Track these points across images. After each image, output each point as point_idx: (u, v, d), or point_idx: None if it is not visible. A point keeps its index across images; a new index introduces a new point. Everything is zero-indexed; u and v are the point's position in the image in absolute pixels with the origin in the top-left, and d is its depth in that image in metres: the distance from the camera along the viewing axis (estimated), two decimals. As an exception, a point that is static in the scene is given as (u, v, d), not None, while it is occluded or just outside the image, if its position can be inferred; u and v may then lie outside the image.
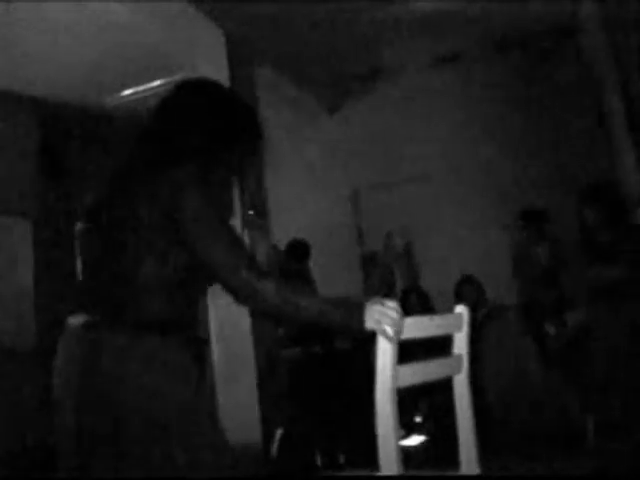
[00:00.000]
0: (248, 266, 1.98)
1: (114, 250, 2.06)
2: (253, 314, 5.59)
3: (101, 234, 2.14)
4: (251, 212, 6.02)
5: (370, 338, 2.02)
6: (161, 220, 2.01)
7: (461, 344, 2.37)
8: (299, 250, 6.67)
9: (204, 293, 2.20)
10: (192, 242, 2.00)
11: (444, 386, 2.41)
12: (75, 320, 2.08)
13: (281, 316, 2.04)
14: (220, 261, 1.98)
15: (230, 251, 1.99)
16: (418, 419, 5.40)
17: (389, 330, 1.96)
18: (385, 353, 1.99)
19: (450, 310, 2.41)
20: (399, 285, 8.10)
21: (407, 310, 2.02)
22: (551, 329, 6.22)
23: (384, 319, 1.96)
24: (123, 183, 2.16)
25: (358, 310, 1.98)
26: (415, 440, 5.44)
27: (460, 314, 2.37)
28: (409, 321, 2.06)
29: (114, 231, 2.09)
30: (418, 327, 2.18)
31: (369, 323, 1.97)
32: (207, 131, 2.24)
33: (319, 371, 5.55)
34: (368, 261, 8.34)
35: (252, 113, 2.39)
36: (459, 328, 2.36)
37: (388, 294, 7.70)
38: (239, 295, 2.01)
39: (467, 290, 6.59)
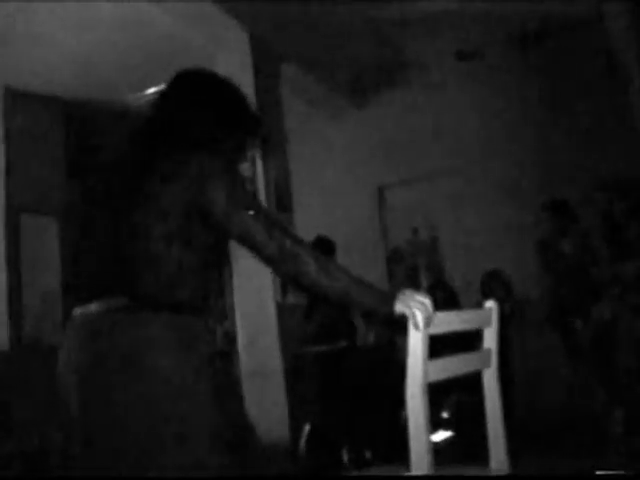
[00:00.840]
0: (285, 232, 2.04)
1: (130, 235, 2.05)
2: (285, 287, 5.61)
3: (112, 220, 2.13)
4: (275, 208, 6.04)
5: (396, 334, 2.03)
6: (184, 206, 2.03)
7: (490, 339, 2.37)
8: (325, 246, 6.67)
9: (218, 278, 2.22)
10: (227, 221, 2.03)
11: (470, 382, 2.41)
12: (87, 308, 2.08)
13: (316, 286, 2.04)
14: (258, 231, 2.02)
15: (266, 221, 2.03)
16: (445, 415, 5.39)
17: (419, 315, 1.98)
18: (416, 348, 1.99)
19: (476, 305, 2.42)
20: (424, 281, 8.09)
21: (433, 305, 2.04)
22: (577, 323, 6.19)
23: (414, 304, 1.99)
24: (137, 170, 2.14)
25: (389, 294, 2.05)
26: (441, 436, 5.44)
27: (490, 309, 2.37)
28: (439, 316, 2.07)
29: (129, 217, 2.07)
30: (448, 322, 2.18)
31: (399, 306, 2.01)
32: (211, 120, 2.29)
33: (346, 367, 5.56)
34: (393, 257, 8.34)
35: (246, 100, 2.43)
36: (489, 323, 2.36)
37: (413, 290, 7.69)
38: (279, 261, 2.04)
39: (493, 285, 6.58)
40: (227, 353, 5.69)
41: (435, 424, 5.44)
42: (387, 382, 5.34)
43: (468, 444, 4.89)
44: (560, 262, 6.44)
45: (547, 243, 6.57)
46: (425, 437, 1.97)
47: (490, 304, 2.39)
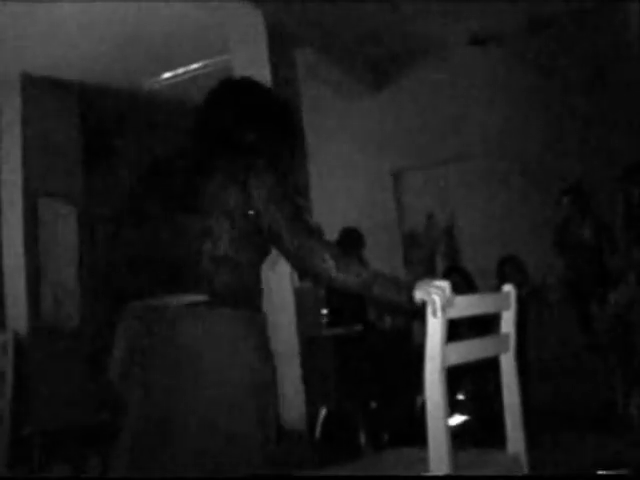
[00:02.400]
0: (309, 231, 2.18)
1: (198, 236, 2.17)
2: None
3: (173, 221, 2.24)
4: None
5: (413, 318, 2.07)
6: (236, 209, 2.16)
7: (508, 323, 2.37)
8: (352, 238, 6.63)
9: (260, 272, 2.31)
10: (271, 228, 2.17)
11: (487, 366, 2.42)
12: (163, 301, 2.17)
13: (334, 282, 2.14)
14: (283, 227, 2.15)
15: (293, 221, 2.16)
16: (460, 397, 5.40)
17: (438, 300, 2.01)
18: (435, 332, 2.00)
19: (492, 289, 2.42)
20: (440, 265, 8.08)
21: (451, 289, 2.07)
22: (594, 308, 6.18)
23: (433, 290, 2.04)
24: (197, 174, 2.27)
25: (408, 283, 2.11)
26: (457, 420, 5.44)
27: (508, 293, 2.38)
28: (457, 300, 2.08)
29: (194, 218, 2.19)
30: (466, 306, 2.19)
31: (418, 294, 2.05)
32: (258, 128, 2.41)
33: (362, 351, 5.57)
34: (409, 242, 8.33)
35: (291, 112, 2.59)
36: (507, 307, 2.36)
37: (429, 274, 7.69)
38: (295, 257, 2.17)
39: (509, 269, 6.56)
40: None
41: (451, 408, 5.45)
42: (403, 366, 5.35)
43: (484, 428, 4.91)
44: (577, 247, 6.42)
45: (565, 228, 6.56)
46: (443, 420, 1.98)
47: (508, 288, 2.39)
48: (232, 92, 2.53)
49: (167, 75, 7.79)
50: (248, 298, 2.20)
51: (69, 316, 7.35)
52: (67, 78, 7.49)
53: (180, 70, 7.66)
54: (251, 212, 2.17)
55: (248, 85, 2.57)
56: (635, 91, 6.83)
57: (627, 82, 6.98)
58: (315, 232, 2.20)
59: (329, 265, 2.10)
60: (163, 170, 2.43)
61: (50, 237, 7.33)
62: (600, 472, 3.67)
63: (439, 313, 2.00)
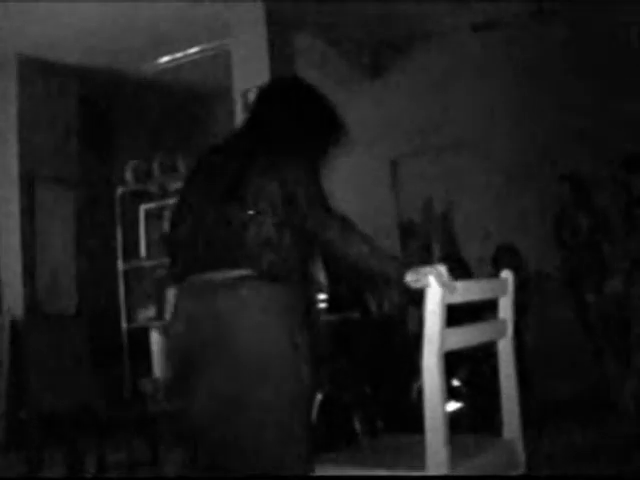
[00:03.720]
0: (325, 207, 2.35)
1: (243, 221, 2.36)
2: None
3: (226, 206, 2.42)
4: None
5: (410, 304, 2.09)
6: (280, 201, 2.35)
7: (506, 308, 2.38)
8: None
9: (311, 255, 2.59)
10: (306, 222, 2.33)
11: (482, 353, 2.42)
12: (212, 276, 2.37)
13: (333, 249, 2.30)
14: (316, 221, 2.32)
15: (326, 214, 2.32)
16: (456, 383, 5.40)
17: (432, 277, 2.05)
18: (433, 317, 2.00)
19: (488, 277, 2.43)
20: (437, 254, 8.08)
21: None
22: (590, 297, 6.19)
23: (429, 270, 2.10)
24: (249, 165, 2.44)
25: (405, 262, 2.21)
26: (452, 406, 5.45)
27: (505, 279, 2.38)
28: (458, 285, 2.08)
29: (239, 206, 2.38)
30: (465, 291, 2.19)
31: (410, 275, 2.13)
32: (310, 126, 2.65)
33: (358, 337, 5.57)
34: (406, 230, 8.33)
35: (335, 110, 2.78)
36: (504, 292, 2.37)
37: (426, 262, 7.69)
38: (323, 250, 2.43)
39: (505, 257, 6.56)
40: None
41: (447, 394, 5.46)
42: (399, 352, 5.36)
43: (480, 414, 4.92)
44: (574, 236, 6.43)
45: (563, 217, 6.56)
46: (440, 405, 1.99)
47: (506, 274, 2.40)
48: (282, 90, 2.77)
49: (166, 59, 7.77)
50: (288, 275, 2.36)
51: (66, 300, 7.36)
52: (65, 60, 7.46)
53: (179, 54, 7.64)
54: (289, 204, 2.35)
55: (297, 85, 2.77)
56: (634, 81, 6.82)
57: (627, 71, 6.96)
58: (332, 211, 2.34)
59: (336, 237, 2.26)
60: (210, 161, 2.61)
61: (47, 220, 7.32)
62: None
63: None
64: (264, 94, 2.76)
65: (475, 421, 5.01)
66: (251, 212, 2.36)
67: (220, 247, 2.40)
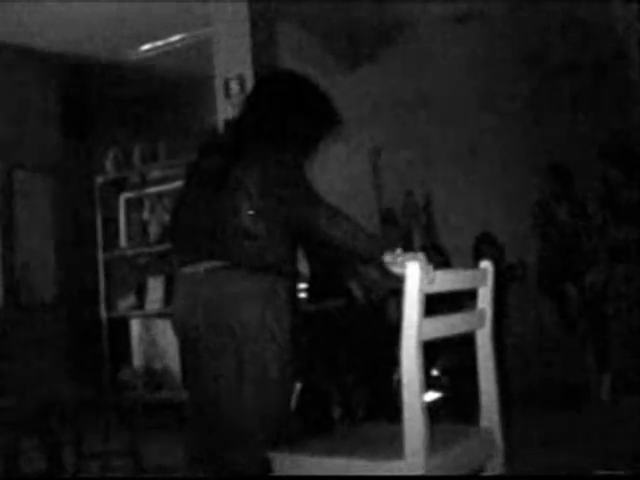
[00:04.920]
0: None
1: (224, 212, 2.52)
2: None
3: (208, 198, 2.59)
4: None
5: (390, 294, 2.11)
6: (258, 193, 2.49)
7: (485, 298, 2.39)
8: None
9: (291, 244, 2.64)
10: (293, 211, 2.46)
11: (462, 343, 2.43)
12: (194, 268, 2.56)
13: (332, 240, 2.38)
14: (303, 208, 2.43)
15: (312, 200, 2.43)
16: (435, 373, 5.43)
17: (412, 267, 2.06)
18: (412, 305, 2.00)
19: (468, 267, 2.43)
20: (417, 243, 8.09)
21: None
22: (570, 288, 6.22)
23: (408, 257, 2.18)
24: (234, 158, 2.59)
25: (384, 243, 2.33)
26: (432, 396, 5.47)
27: (485, 269, 2.38)
28: (437, 275, 2.09)
29: (221, 197, 2.54)
30: (444, 281, 2.19)
31: (388, 257, 2.25)
32: (301, 119, 2.74)
33: (338, 326, 5.58)
34: (387, 218, 8.32)
35: (330, 101, 2.85)
36: (484, 283, 2.37)
37: (407, 251, 7.68)
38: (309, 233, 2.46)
39: (485, 248, 6.57)
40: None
41: (426, 384, 5.47)
42: (380, 341, 5.37)
43: (459, 404, 4.94)
44: (554, 227, 6.45)
45: (542, 208, 6.58)
46: (419, 394, 1.99)
47: (485, 264, 2.40)
48: (270, 85, 2.87)
49: (147, 47, 7.73)
50: (265, 264, 2.50)
51: (45, 289, 7.32)
52: (44, 48, 7.40)
53: (160, 42, 7.59)
54: (273, 193, 2.48)
55: (286, 78, 2.88)
56: (615, 71, 6.84)
57: (607, 62, 6.98)
58: (317, 197, 2.44)
59: (323, 222, 2.35)
60: (205, 151, 2.77)
61: (26, 209, 7.28)
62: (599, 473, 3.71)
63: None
64: (260, 86, 2.92)
65: (455, 410, 5.04)
66: (229, 205, 2.49)
67: (206, 239, 2.55)
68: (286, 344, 2.52)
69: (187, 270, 2.60)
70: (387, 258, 2.24)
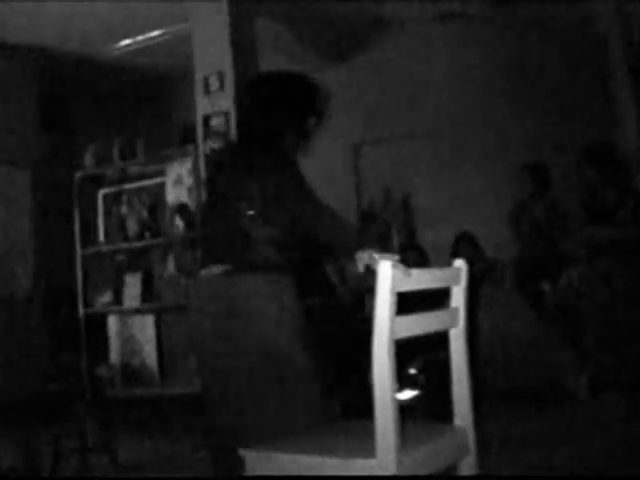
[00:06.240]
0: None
1: (229, 217, 2.75)
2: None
3: (221, 204, 2.83)
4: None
5: (367, 292, 2.13)
6: (258, 199, 2.70)
7: (459, 297, 2.39)
8: None
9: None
10: (293, 216, 2.66)
11: (440, 341, 2.43)
12: (210, 270, 2.77)
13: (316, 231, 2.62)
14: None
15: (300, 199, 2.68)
16: (412, 371, 5.43)
17: (383, 266, 2.05)
18: (384, 304, 2.00)
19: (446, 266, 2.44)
20: (396, 240, 8.10)
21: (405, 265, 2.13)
22: (546, 287, 6.24)
23: (383, 257, 2.27)
24: (234, 163, 2.85)
25: (364, 240, 2.53)
26: (408, 394, 5.47)
27: (459, 268, 2.39)
28: (410, 273, 2.09)
29: (227, 204, 2.78)
30: (417, 279, 2.19)
31: (361, 255, 2.43)
32: (294, 115, 2.95)
33: (317, 323, 5.58)
34: (366, 216, 8.33)
35: (320, 92, 3.13)
36: (457, 281, 2.38)
37: (385, 250, 7.70)
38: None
39: (464, 246, 6.59)
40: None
41: (402, 382, 5.48)
42: (358, 339, 5.37)
43: (436, 402, 4.95)
44: (531, 226, 6.48)
45: (520, 207, 6.61)
46: (390, 393, 1.99)
47: (459, 263, 2.40)
48: (254, 91, 3.02)
49: (126, 42, 7.70)
50: (268, 264, 2.71)
51: (21, 284, 7.29)
52: (22, 42, 7.35)
53: (140, 37, 7.57)
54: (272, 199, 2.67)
55: (268, 80, 3.05)
56: (594, 71, 6.87)
57: (587, 62, 7.02)
58: (313, 201, 2.70)
59: (315, 222, 2.60)
60: (215, 162, 3.10)
61: (3, 203, 7.24)
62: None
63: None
64: (242, 98, 3.39)
65: (431, 408, 5.04)
66: (235, 212, 2.70)
67: (216, 245, 2.79)
68: (304, 336, 2.76)
69: (202, 272, 2.81)
70: (358, 255, 2.42)
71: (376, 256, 2.35)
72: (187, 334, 3.24)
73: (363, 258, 2.43)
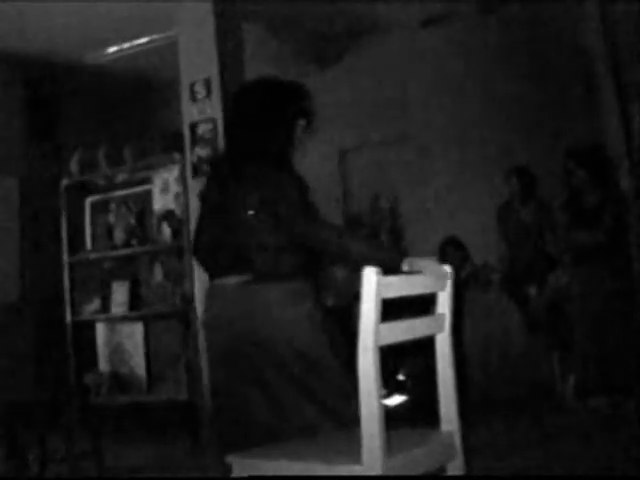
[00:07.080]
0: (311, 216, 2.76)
1: (241, 228, 2.73)
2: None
3: (219, 214, 2.82)
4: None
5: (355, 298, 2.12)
6: (265, 204, 2.71)
7: (444, 303, 2.39)
8: None
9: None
10: (289, 220, 2.69)
11: (428, 347, 2.43)
12: (226, 280, 2.76)
13: (339, 254, 2.74)
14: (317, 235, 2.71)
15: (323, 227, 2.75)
16: (401, 377, 5.44)
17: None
18: (368, 311, 2.01)
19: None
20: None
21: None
22: (533, 290, 6.26)
23: (423, 264, 2.50)
24: (228, 174, 2.85)
25: (397, 254, 2.66)
26: (396, 400, 5.48)
27: (444, 273, 2.40)
28: (394, 280, 2.10)
29: (234, 214, 2.76)
30: (402, 286, 2.20)
31: (406, 266, 2.52)
32: (283, 118, 2.96)
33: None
34: (354, 222, 8.34)
35: (306, 94, 3.18)
36: (443, 287, 2.38)
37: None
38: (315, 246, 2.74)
39: (451, 251, 6.62)
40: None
41: (391, 388, 5.48)
42: (347, 343, 5.37)
43: (423, 408, 4.95)
44: (518, 230, 6.50)
45: (507, 210, 6.63)
46: (375, 399, 2.00)
47: (445, 268, 2.41)
48: (241, 101, 3.03)
49: (113, 49, 7.69)
50: (284, 273, 2.72)
51: (8, 291, 7.27)
52: (8, 48, 7.33)
53: (126, 44, 7.56)
54: (276, 209, 2.69)
55: (253, 88, 3.08)
56: (580, 75, 6.89)
57: (573, 66, 7.04)
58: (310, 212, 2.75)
59: (332, 240, 2.67)
60: (214, 175, 3.03)
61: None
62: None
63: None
64: (229, 111, 3.33)
65: (419, 414, 5.05)
66: (240, 221, 2.71)
67: (226, 254, 2.77)
68: (331, 340, 2.80)
69: (218, 283, 2.81)
70: (405, 267, 2.52)
71: (417, 259, 2.51)
72: (205, 348, 3.04)
73: (407, 263, 2.52)
